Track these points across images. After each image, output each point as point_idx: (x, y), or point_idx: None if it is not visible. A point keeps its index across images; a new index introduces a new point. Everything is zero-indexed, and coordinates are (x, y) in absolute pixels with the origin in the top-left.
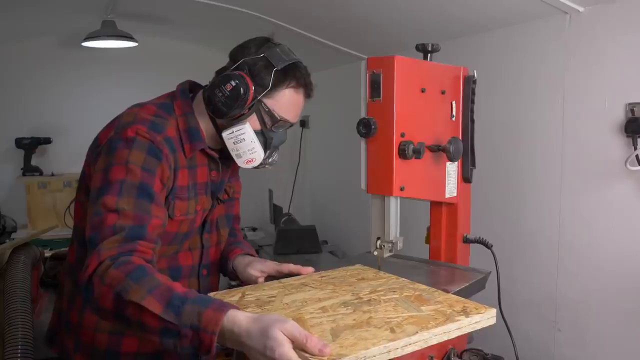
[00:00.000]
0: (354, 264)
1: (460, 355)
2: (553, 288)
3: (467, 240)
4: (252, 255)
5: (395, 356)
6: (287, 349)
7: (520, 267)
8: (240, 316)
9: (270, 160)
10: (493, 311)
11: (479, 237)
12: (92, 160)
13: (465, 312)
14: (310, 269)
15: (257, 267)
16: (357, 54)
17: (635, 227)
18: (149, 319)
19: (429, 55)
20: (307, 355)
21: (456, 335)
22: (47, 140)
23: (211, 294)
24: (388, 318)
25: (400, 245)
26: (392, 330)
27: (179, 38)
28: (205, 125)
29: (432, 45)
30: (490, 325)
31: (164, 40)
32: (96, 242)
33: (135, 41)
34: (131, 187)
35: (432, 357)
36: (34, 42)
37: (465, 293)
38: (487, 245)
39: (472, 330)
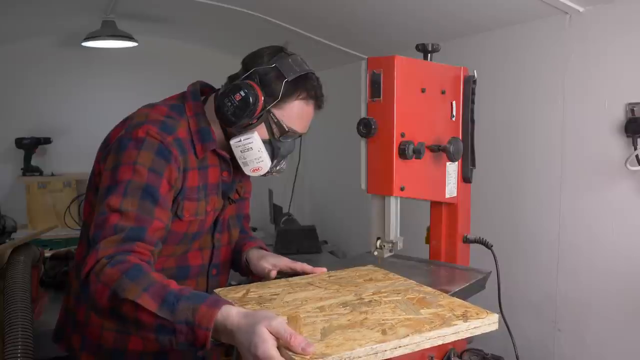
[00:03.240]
0: (361, 264)
1: (460, 355)
2: (553, 288)
3: (467, 240)
4: (265, 249)
5: (384, 358)
6: (269, 346)
7: (520, 267)
8: (233, 311)
9: (277, 168)
10: (495, 317)
11: (479, 237)
12: (102, 159)
13: (464, 317)
14: (323, 270)
15: (271, 261)
16: (357, 54)
17: (635, 227)
18: (144, 316)
19: (429, 55)
20: (290, 353)
21: (453, 340)
22: (47, 140)
23: (217, 290)
24: (383, 320)
25: (400, 245)
26: (384, 332)
27: (179, 38)
28: (216, 129)
29: (432, 45)
30: None
31: (164, 40)
32: (97, 240)
33: (135, 41)
34: (136, 188)
35: (432, 357)
36: (34, 42)
37: (465, 293)
38: (487, 245)
39: (470, 335)
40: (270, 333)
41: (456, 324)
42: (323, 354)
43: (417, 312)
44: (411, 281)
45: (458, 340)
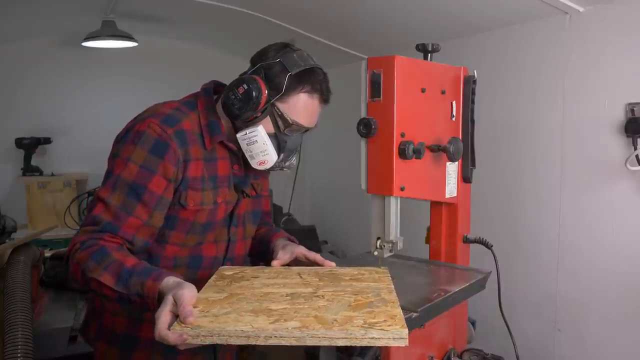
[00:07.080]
0: (361, 264)
1: (460, 355)
2: (553, 288)
3: (467, 240)
4: (292, 240)
5: (257, 344)
6: (165, 309)
7: (520, 267)
8: (170, 281)
9: (287, 163)
10: (402, 332)
11: (479, 237)
12: None
13: (370, 326)
14: (332, 264)
15: (289, 249)
16: (357, 54)
17: (635, 227)
18: (106, 290)
19: (429, 55)
20: (177, 320)
21: (345, 344)
22: (47, 140)
23: (221, 267)
24: (295, 312)
25: (400, 245)
26: (275, 322)
27: (179, 38)
28: (225, 124)
29: (432, 45)
30: (490, 325)
31: (164, 40)
32: (82, 225)
33: (135, 41)
34: (124, 184)
35: (432, 357)
36: (34, 42)
37: (465, 293)
38: (487, 245)
39: (367, 344)
40: (174, 300)
41: (349, 330)
42: (198, 325)
43: (337, 313)
44: (389, 288)
45: (458, 339)
